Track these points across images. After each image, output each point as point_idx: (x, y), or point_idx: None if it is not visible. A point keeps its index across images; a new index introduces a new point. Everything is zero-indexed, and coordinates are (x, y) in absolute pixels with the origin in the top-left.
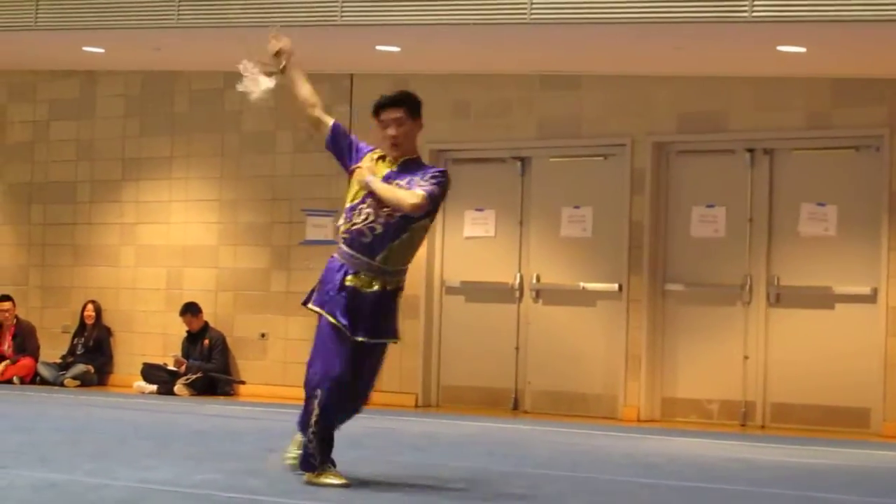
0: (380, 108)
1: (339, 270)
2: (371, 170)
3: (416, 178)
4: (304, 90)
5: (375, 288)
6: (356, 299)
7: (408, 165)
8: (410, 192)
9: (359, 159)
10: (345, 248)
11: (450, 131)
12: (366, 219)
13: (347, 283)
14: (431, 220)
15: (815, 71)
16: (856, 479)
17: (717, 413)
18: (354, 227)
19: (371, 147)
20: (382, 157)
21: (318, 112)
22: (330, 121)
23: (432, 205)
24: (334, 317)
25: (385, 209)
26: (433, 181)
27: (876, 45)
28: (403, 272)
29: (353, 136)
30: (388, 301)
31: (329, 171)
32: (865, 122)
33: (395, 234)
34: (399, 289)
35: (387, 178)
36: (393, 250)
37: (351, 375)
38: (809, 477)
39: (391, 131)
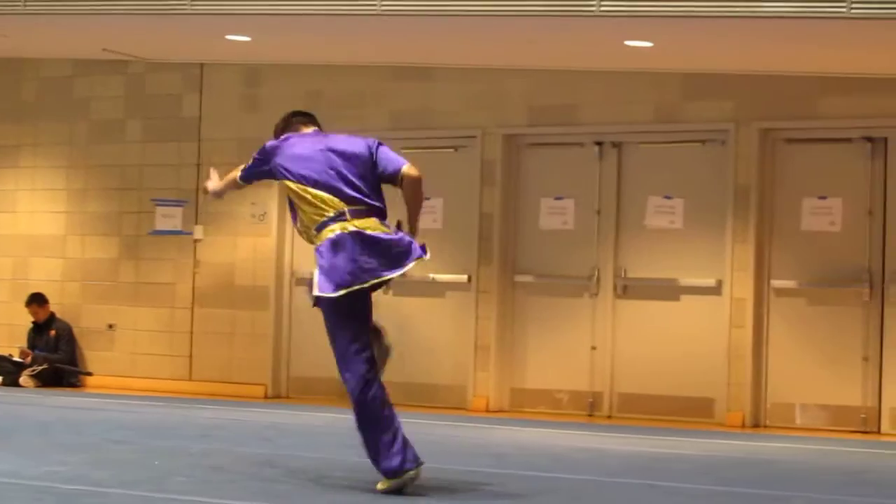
0: None
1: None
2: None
3: None
4: (221, 186)
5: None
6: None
7: None
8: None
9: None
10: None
11: None
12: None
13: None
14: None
15: (663, 65)
16: (701, 468)
17: (565, 403)
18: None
19: None
20: None
21: (226, 182)
22: (237, 172)
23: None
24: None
25: None
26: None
27: (723, 40)
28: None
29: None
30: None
31: (179, 161)
32: (712, 116)
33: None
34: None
35: None
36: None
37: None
38: (656, 466)
39: None
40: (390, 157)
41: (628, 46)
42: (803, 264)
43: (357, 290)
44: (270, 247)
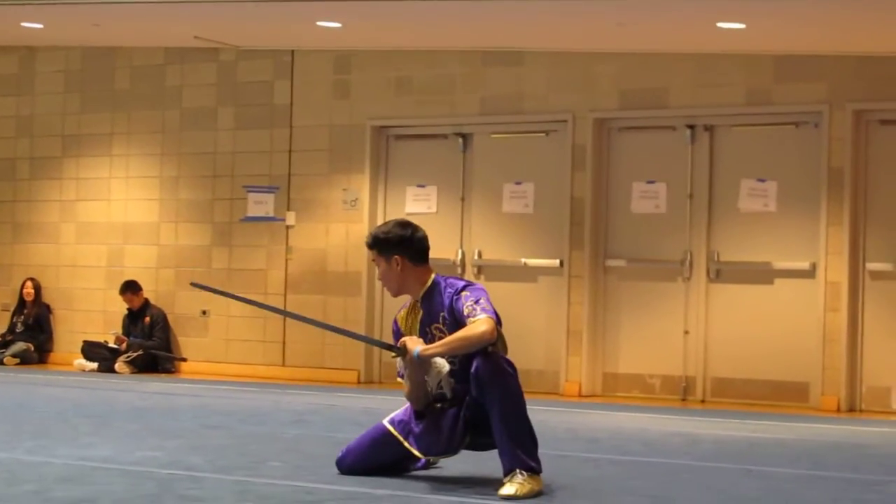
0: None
1: None
2: (411, 343)
3: (445, 308)
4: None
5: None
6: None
7: (428, 299)
8: (472, 326)
9: (399, 331)
10: None
11: (392, 108)
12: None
13: None
14: None
15: (755, 47)
16: (796, 453)
17: (658, 388)
18: None
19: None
20: (413, 307)
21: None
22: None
23: (497, 319)
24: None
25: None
26: (472, 299)
27: (815, 21)
28: None
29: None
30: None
31: (270, 148)
32: (805, 98)
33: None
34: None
35: (422, 327)
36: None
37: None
38: (750, 450)
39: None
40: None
41: (720, 28)
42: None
43: None
44: (362, 233)
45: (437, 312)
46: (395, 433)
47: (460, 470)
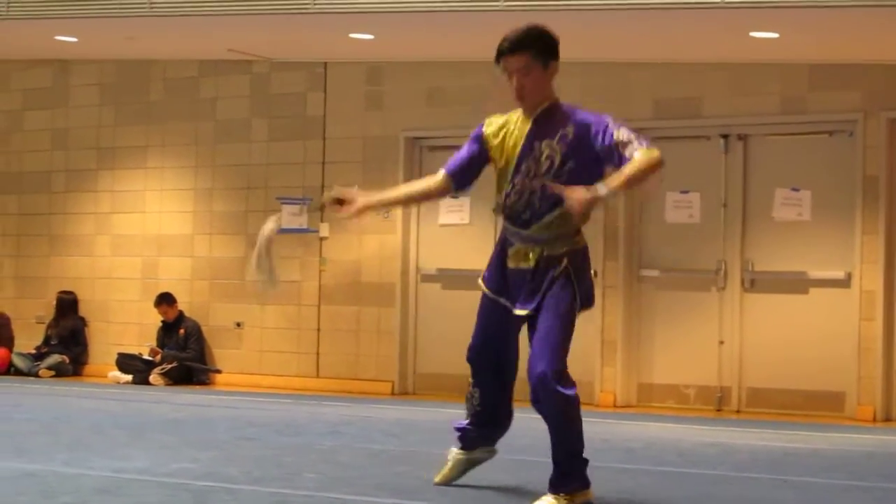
0: (499, 55)
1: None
2: (584, 194)
3: (582, 133)
4: (395, 196)
5: (531, 260)
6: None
7: (549, 116)
8: (641, 155)
9: (481, 145)
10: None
11: (424, 119)
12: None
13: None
14: None
15: (789, 56)
16: (833, 463)
17: (693, 398)
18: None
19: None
20: (519, 119)
21: (415, 187)
22: (440, 175)
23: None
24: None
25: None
26: (621, 128)
27: (849, 29)
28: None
29: (467, 144)
30: (545, 271)
31: (303, 159)
32: (839, 107)
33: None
34: (563, 255)
35: (528, 140)
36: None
37: (488, 347)
38: (786, 460)
39: (514, 82)
40: None
41: (754, 38)
42: None
43: None
44: (396, 243)
45: (557, 128)
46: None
47: (499, 480)
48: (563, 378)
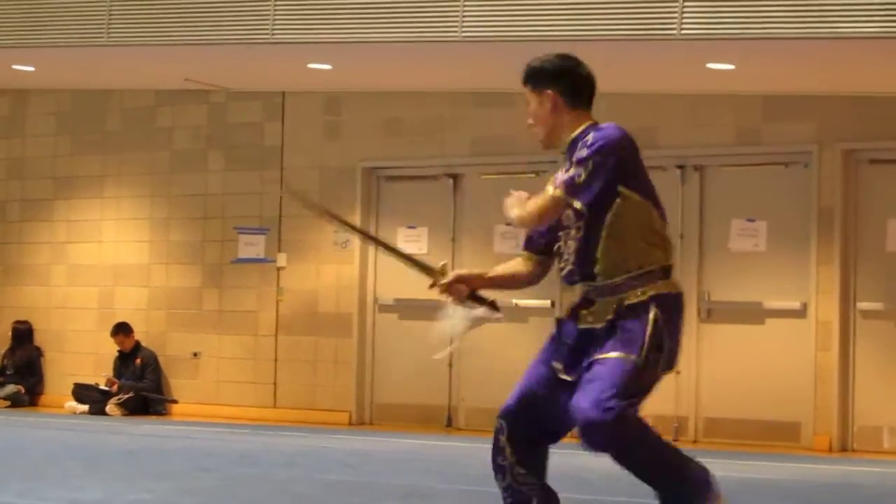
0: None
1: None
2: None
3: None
4: (500, 274)
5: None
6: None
7: (571, 148)
8: (537, 199)
9: None
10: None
11: (382, 149)
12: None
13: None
14: (620, 197)
15: (745, 87)
16: (789, 493)
17: (654, 423)
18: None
19: None
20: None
21: (512, 267)
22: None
23: (572, 194)
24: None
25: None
26: (578, 159)
27: (804, 62)
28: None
29: None
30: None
31: (261, 189)
32: (794, 138)
33: (584, 241)
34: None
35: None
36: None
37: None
38: (743, 491)
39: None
40: None
41: (710, 69)
42: (890, 286)
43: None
44: (353, 273)
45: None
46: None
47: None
48: (609, 408)
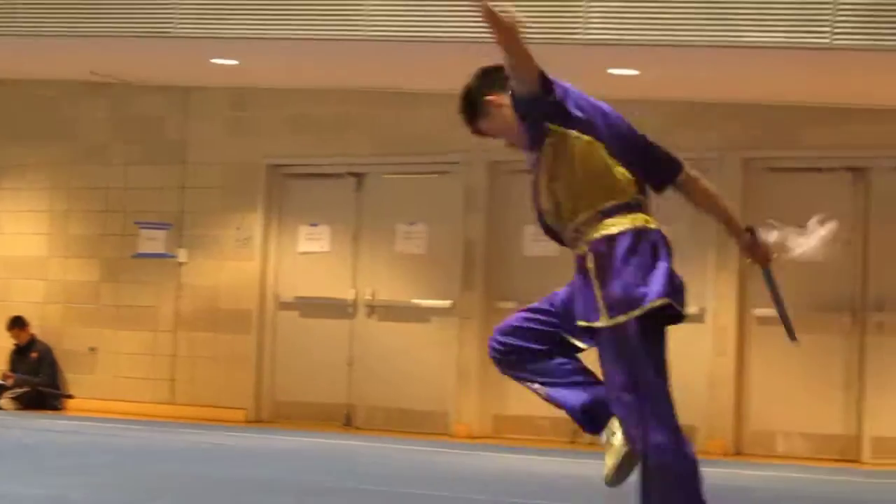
0: None
1: None
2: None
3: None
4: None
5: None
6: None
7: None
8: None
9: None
10: None
11: (286, 146)
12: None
13: None
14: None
15: (648, 94)
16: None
17: (547, 429)
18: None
19: None
20: None
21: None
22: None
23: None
24: None
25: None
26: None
27: (707, 69)
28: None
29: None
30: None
31: (162, 184)
32: (696, 145)
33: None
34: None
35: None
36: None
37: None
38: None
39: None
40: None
41: (613, 74)
42: (786, 292)
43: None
44: (254, 270)
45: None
46: None
47: None
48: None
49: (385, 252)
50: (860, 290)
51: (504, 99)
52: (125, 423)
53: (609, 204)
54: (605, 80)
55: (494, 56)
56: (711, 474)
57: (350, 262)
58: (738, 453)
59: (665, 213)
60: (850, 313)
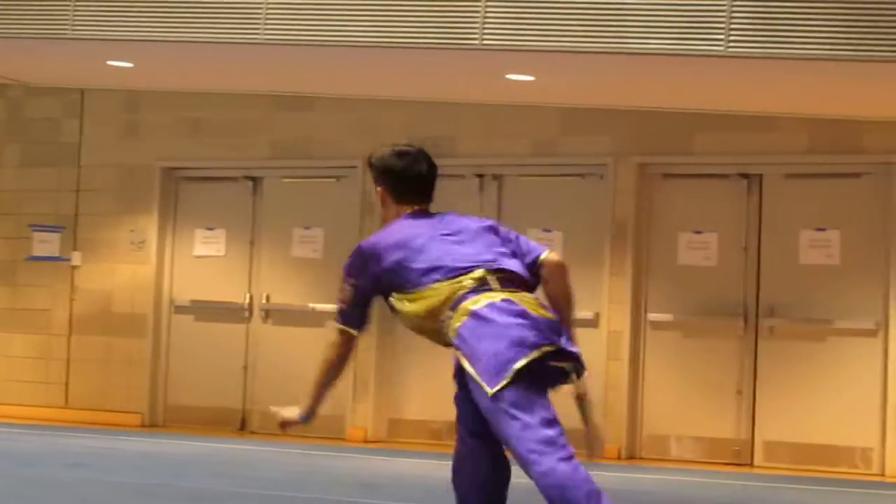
0: None
1: None
2: None
3: None
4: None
5: None
6: None
7: None
8: None
9: None
10: None
11: (182, 149)
12: None
13: None
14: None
15: (543, 99)
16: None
17: (444, 434)
18: None
19: None
20: None
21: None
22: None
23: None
24: None
25: None
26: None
27: (602, 75)
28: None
29: None
30: None
31: (57, 187)
32: (591, 150)
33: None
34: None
35: None
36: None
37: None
38: (530, 499)
39: None
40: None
41: (509, 80)
42: (679, 298)
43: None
44: (149, 274)
45: None
46: None
47: None
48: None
49: (281, 256)
50: (753, 295)
51: (384, 193)
52: (17, 428)
53: None
54: (502, 85)
55: (394, 58)
56: (605, 479)
57: (246, 266)
58: (631, 457)
59: (560, 216)
60: (742, 318)
